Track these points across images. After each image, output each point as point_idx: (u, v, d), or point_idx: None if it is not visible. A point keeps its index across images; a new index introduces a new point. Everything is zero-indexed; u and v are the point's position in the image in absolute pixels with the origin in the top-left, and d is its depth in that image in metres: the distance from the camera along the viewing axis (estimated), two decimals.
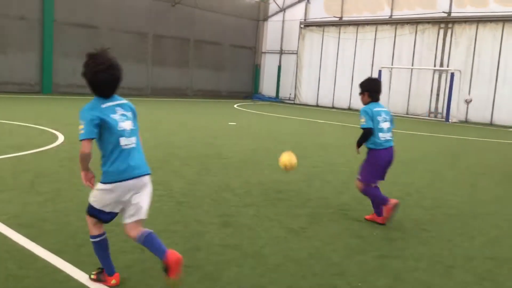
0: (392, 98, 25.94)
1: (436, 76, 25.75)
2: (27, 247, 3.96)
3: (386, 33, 27.61)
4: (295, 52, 32.15)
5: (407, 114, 25.48)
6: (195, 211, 5.35)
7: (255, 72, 34.24)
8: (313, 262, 4.04)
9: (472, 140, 15.54)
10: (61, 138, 9.93)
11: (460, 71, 24.24)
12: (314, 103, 30.67)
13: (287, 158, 5.51)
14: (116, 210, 3.35)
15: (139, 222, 3.31)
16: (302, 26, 31.35)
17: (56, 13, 23.48)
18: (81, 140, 3.15)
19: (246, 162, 8.69)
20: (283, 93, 33.14)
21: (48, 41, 23.36)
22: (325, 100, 30.29)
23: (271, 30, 33.77)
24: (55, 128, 11.22)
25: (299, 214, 5.48)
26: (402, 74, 26.73)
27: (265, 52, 34.30)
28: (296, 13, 31.86)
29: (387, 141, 5.32)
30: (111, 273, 3.41)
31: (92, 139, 3.18)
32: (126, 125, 3.29)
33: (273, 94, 33.61)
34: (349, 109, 28.61)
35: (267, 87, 34.26)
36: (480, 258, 4.38)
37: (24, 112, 14.45)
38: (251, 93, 34.08)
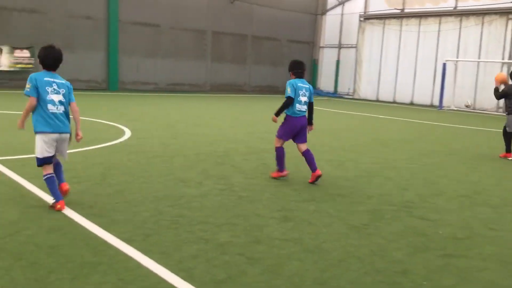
0: (457, 92, 24.93)
1: (505, 69, 24.45)
2: (100, 235, 4.21)
3: (450, 25, 26.52)
4: (354, 46, 31.59)
5: (474, 109, 24.35)
6: (255, 205, 5.44)
7: (313, 67, 33.98)
8: (375, 259, 4.01)
9: None
10: (127, 133, 10.37)
11: None
12: (374, 98, 30.04)
13: None
14: (53, 152, 4.87)
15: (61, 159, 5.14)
16: (361, 19, 30.74)
17: (121, 13, 24.44)
18: (26, 95, 4.73)
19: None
20: (342, 88, 32.69)
21: (113, 40, 24.37)
22: (385, 95, 29.59)
23: (329, 24, 33.36)
24: (122, 123, 11.73)
25: (360, 211, 5.43)
26: (467, 68, 25.60)
27: (323, 47, 33.95)
28: (356, 6, 31.28)
29: (301, 112, 6.68)
30: (58, 200, 4.83)
31: (34, 97, 4.72)
32: (55, 97, 4.81)
33: (331, 89, 33.23)
34: (411, 103, 27.78)
35: (325, 82, 33.90)
36: None
37: (92, 108, 15.20)
38: None
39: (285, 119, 6.80)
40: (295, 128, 6.69)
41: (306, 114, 6.80)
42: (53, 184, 4.84)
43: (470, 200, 6.11)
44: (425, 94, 27.58)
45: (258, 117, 15.79)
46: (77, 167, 6.81)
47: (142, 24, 25.40)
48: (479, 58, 25.20)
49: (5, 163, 6.75)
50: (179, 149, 8.71)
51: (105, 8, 23.99)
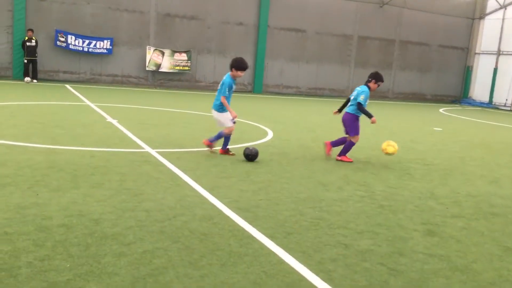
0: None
1: None
2: (245, 228, 4.47)
3: None
4: None
5: None
6: (397, 216, 5.28)
7: (466, 74, 31.57)
8: None
9: None
10: (270, 134, 10.78)
11: None
12: None
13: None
14: None
15: None
16: None
17: (270, 19, 25.42)
18: None
19: (453, 170, 8.16)
20: (498, 99, 29.81)
21: (261, 45, 25.46)
22: None
23: (488, 29, 30.66)
24: (265, 124, 12.22)
25: None
26: None
27: (478, 53, 31.35)
28: None
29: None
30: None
31: None
32: None
33: (486, 99, 30.50)
34: None
35: (478, 91, 31.24)
36: None
37: (239, 110, 16.04)
38: (460, 97, 31.55)
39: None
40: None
41: (348, 109, 8.47)
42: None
43: None
44: None
45: (403, 125, 15.19)
46: (226, 163, 7.29)
47: (289, 29, 26.12)
48: None
49: (164, 155, 7.51)
50: (319, 153, 8.80)
51: (256, 15, 25.18)
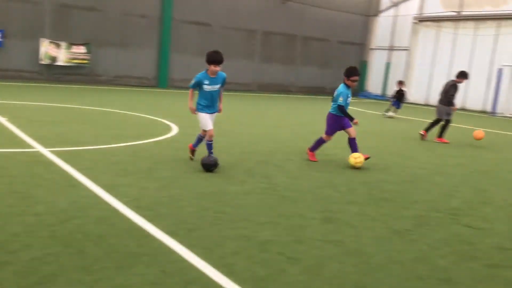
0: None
1: None
2: (145, 228, 4.34)
3: (509, 29, 25.41)
4: (406, 48, 30.87)
5: None
6: (297, 206, 5.44)
7: (362, 69, 33.47)
8: (418, 266, 3.92)
9: None
10: (175, 129, 10.61)
11: None
12: (423, 102, 29.22)
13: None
14: None
15: None
16: (416, 21, 29.99)
17: (175, 12, 24.96)
18: None
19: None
20: (391, 91, 31.99)
21: (166, 38, 24.94)
22: (436, 99, 28.68)
23: (382, 25, 32.74)
24: (170, 120, 12.00)
25: (405, 216, 5.33)
26: None
27: (373, 49, 33.37)
28: (410, 8, 30.53)
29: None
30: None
31: None
32: None
33: (380, 92, 32.62)
34: (463, 109, 26.84)
35: (374, 84, 33.31)
36: None
37: (142, 104, 15.63)
38: (357, 90, 33.41)
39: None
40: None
41: (330, 109, 8.22)
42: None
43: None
44: (477, 99, 26.58)
45: (304, 118, 15.73)
46: (126, 160, 7.05)
47: (194, 23, 25.86)
48: None
49: (58, 154, 7.07)
50: (224, 147, 8.83)
51: (159, 7, 24.58)
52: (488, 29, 26.30)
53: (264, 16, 28.21)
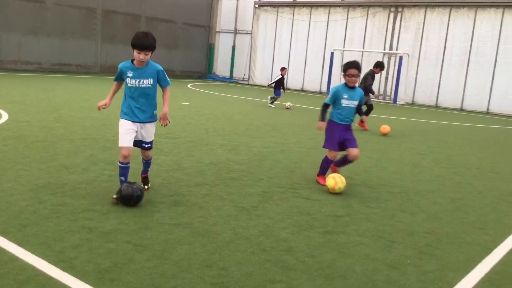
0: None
1: (386, 59, 26.43)
2: None
3: (338, 15, 27.95)
4: (250, 32, 32.02)
5: None
6: (146, 191, 5.30)
7: (209, 51, 33.88)
8: (262, 239, 4.13)
9: (418, 122, 16.15)
10: (5, 116, 9.53)
11: (408, 54, 24.98)
12: (267, 84, 30.76)
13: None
14: None
15: None
16: (256, 6, 31.19)
17: None
18: None
19: (198, 141, 8.68)
20: (237, 74, 33.06)
21: None
22: None
23: (226, 9, 33.43)
24: None
25: (251, 193, 5.56)
26: (353, 57, 27.24)
27: (219, 32, 33.95)
28: None
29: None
30: None
31: None
32: None
33: (227, 74, 33.45)
34: (302, 90, 28.93)
35: (221, 67, 34.02)
36: (420, 233, 4.62)
37: None
38: (205, 73, 33.78)
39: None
40: None
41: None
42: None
43: (351, 181, 6.54)
44: (314, 81, 28.89)
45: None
46: None
47: None
48: (363, 48, 26.94)
49: None
50: (64, 134, 8.21)
51: None
52: (321, 16, 28.58)
53: None
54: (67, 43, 25.55)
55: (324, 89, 27.48)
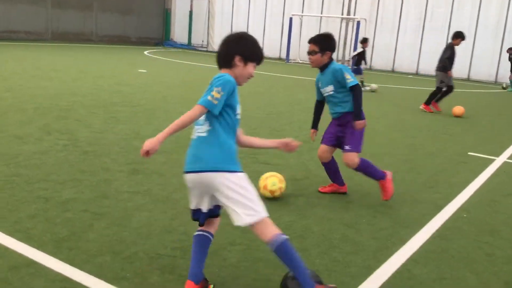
0: (302, 47, 26.44)
1: (344, 24, 26.54)
2: None
3: None
4: None
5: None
6: (102, 160, 5.23)
7: (166, 17, 32.98)
8: None
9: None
10: None
11: (365, 19, 25.15)
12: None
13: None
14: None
15: None
16: None
17: None
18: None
19: (157, 109, 8.55)
20: (196, 40, 32.43)
21: None
22: None
23: None
24: None
25: None
26: (311, 22, 27.19)
27: None
28: None
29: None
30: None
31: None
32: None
33: (185, 41, 32.75)
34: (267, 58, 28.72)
35: (179, 33, 33.24)
36: (375, 193, 4.78)
37: None
38: (162, 39, 32.96)
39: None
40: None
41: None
42: None
43: (308, 145, 6.65)
44: (274, 47, 28.72)
45: (107, 69, 14.95)
46: None
47: None
48: (321, 13, 26.89)
49: None
50: (15, 104, 7.90)
51: None
52: None
53: None
54: (15, 9, 24.27)
55: (283, 55, 27.40)
